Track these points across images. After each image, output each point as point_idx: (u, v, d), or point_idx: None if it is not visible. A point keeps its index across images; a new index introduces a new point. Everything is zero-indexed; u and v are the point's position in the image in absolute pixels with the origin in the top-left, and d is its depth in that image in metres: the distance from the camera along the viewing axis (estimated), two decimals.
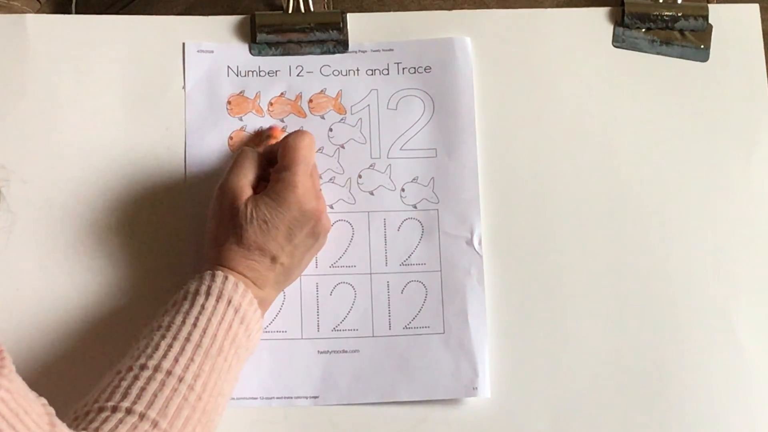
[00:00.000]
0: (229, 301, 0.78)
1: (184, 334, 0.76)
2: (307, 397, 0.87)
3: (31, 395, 0.63)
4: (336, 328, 0.88)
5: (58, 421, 0.65)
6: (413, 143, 0.92)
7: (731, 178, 0.92)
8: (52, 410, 0.65)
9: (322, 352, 0.88)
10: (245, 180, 0.83)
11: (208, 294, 0.78)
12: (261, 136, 0.91)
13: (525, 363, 0.88)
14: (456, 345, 0.87)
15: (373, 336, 0.88)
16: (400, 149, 0.92)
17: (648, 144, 0.92)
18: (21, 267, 0.88)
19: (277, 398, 0.87)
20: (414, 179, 0.91)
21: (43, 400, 0.65)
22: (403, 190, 0.91)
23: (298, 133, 0.84)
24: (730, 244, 0.91)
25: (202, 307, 0.78)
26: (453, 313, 0.88)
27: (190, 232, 0.89)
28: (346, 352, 0.88)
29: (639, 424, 0.87)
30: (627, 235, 0.91)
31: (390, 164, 0.91)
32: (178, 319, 0.77)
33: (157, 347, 0.75)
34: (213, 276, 0.79)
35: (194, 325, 0.77)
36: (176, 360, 0.74)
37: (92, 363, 0.85)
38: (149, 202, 0.90)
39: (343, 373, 0.87)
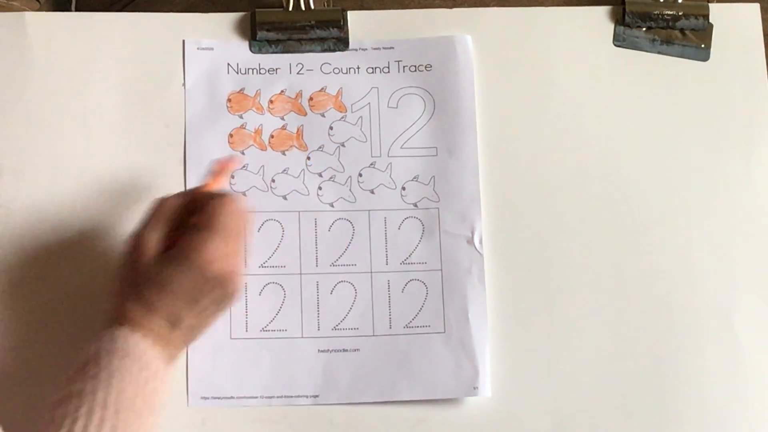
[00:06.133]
0: (137, 359, 0.74)
1: (99, 401, 0.71)
2: (307, 396, 0.87)
3: None
4: (336, 327, 0.88)
5: None
6: (414, 142, 0.92)
7: (731, 177, 0.92)
8: None
9: (322, 351, 0.88)
10: (153, 234, 0.78)
11: (113, 354, 0.74)
12: (220, 165, 0.87)
13: (525, 362, 0.88)
14: (457, 344, 0.87)
15: (373, 335, 0.88)
16: (401, 148, 0.91)
17: (648, 143, 0.92)
18: (16, 264, 0.87)
19: (278, 397, 0.87)
20: (414, 178, 0.91)
21: None
22: (403, 188, 0.91)
23: (224, 198, 0.79)
24: (730, 244, 0.91)
25: (111, 370, 0.73)
26: (454, 312, 0.88)
27: None
28: (346, 351, 0.88)
29: (639, 423, 0.87)
30: (627, 235, 0.91)
31: (390, 163, 0.91)
32: (89, 385, 0.72)
33: (75, 420, 0.70)
34: (114, 337, 0.75)
35: (107, 390, 0.72)
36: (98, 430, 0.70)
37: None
38: (149, 199, 0.89)
39: (344, 372, 0.87)
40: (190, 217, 0.80)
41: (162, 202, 0.80)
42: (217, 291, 0.77)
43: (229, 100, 0.92)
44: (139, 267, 0.77)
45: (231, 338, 0.88)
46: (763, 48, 0.95)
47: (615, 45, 0.95)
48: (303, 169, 0.91)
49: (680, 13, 0.94)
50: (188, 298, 0.76)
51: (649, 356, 0.88)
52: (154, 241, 0.78)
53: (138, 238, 0.78)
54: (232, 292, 0.78)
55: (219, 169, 0.86)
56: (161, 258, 0.77)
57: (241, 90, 0.92)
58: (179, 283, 0.76)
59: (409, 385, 0.86)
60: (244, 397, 0.86)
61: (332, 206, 0.90)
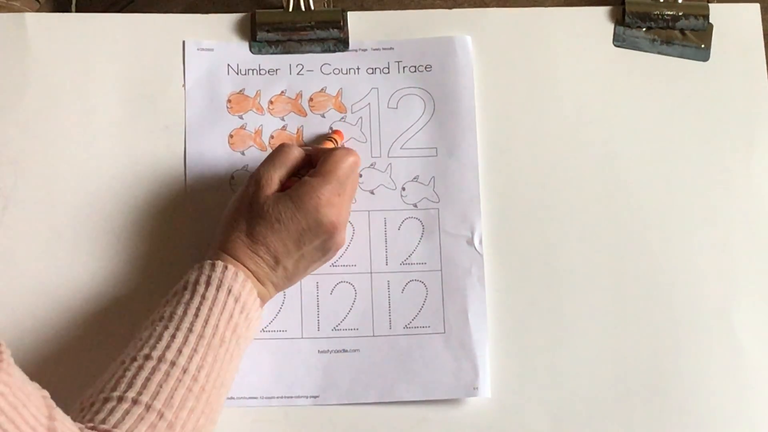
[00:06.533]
0: (229, 291, 0.78)
1: (186, 324, 0.76)
2: (307, 397, 0.87)
3: (31, 387, 0.63)
4: (336, 328, 0.88)
5: (59, 414, 0.64)
6: (414, 142, 0.92)
7: (731, 177, 0.92)
8: (52, 402, 0.65)
9: (322, 352, 0.88)
10: (275, 174, 0.83)
11: (208, 284, 0.78)
12: (323, 137, 0.91)
13: (525, 363, 0.88)
14: (456, 345, 0.87)
15: (373, 335, 0.88)
16: (401, 148, 0.91)
17: (648, 143, 0.92)
18: (21, 261, 0.87)
19: (277, 398, 0.87)
20: (414, 178, 0.91)
21: (45, 393, 0.65)
22: (403, 189, 0.91)
23: (344, 150, 0.84)
24: (730, 244, 0.91)
25: (203, 297, 0.78)
26: (453, 312, 0.88)
27: (189, 230, 0.89)
28: (346, 351, 0.88)
29: (639, 423, 0.87)
30: (627, 235, 0.91)
31: (390, 163, 0.91)
32: (180, 309, 0.77)
33: (160, 338, 0.75)
34: (213, 266, 0.79)
35: (196, 315, 0.77)
36: (179, 351, 0.74)
37: (91, 353, 0.86)
38: (149, 200, 0.90)
39: (344, 372, 0.87)
40: (305, 170, 0.85)
41: (287, 149, 0.84)
42: (322, 239, 0.82)
43: (229, 100, 0.92)
44: (257, 202, 0.81)
45: None
46: (763, 48, 0.95)
47: (615, 45, 0.95)
48: None
49: (680, 14, 0.94)
50: (294, 240, 0.81)
51: (649, 356, 0.88)
52: (275, 181, 0.82)
53: (260, 173, 0.82)
54: (334, 244, 0.83)
55: (334, 135, 0.90)
56: (277, 197, 0.81)
57: (241, 91, 0.92)
58: (289, 222, 0.80)
59: (409, 386, 0.86)
60: (244, 398, 0.86)
61: None
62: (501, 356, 0.88)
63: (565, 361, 0.88)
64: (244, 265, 0.81)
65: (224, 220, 0.84)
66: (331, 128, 0.92)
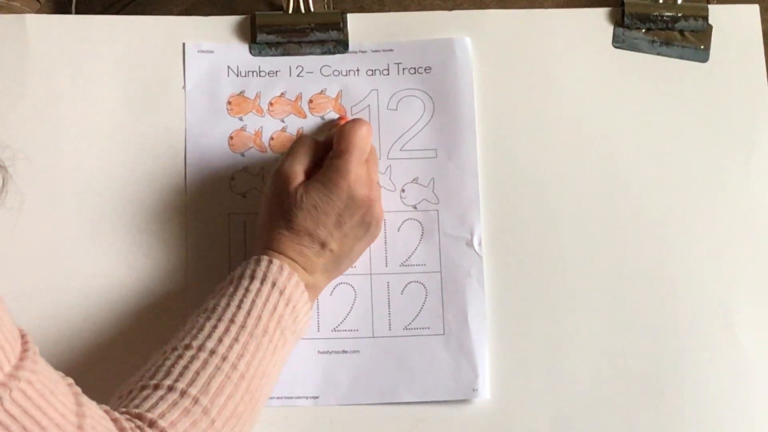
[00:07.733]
0: (274, 284, 0.79)
1: (228, 315, 0.77)
2: (307, 398, 0.87)
3: (57, 376, 0.65)
4: (336, 329, 0.88)
5: (84, 400, 0.66)
6: (413, 144, 0.92)
7: (731, 178, 0.92)
8: (78, 389, 0.66)
9: (322, 353, 0.88)
10: (298, 166, 0.84)
11: (252, 277, 0.79)
12: (329, 125, 0.92)
13: (525, 364, 0.88)
14: (456, 346, 0.88)
15: (373, 336, 0.88)
16: (401, 150, 0.92)
17: (648, 144, 0.92)
18: (20, 262, 0.88)
19: (277, 398, 0.87)
20: (414, 180, 0.91)
21: (69, 380, 0.66)
22: (403, 190, 0.91)
23: (354, 121, 0.85)
24: (730, 244, 0.91)
25: (247, 289, 0.79)
26: (453, 314, 0.88)
27: (189, 232, 0.89)
28: (346, 352, 0.88)
29: (639, 424, 0.87)
30: (627, 236, 0.91)
31: (390, 165, 0.91)
32: (223, 301, 0.78)
33: (201, 328, 0.76)
34: (258, 260, 0.80)
35: (239, 306, 0.77)
36: (220, 340, 0.75)
37: (87, 351, 0.87)
38: (149, 202, 0.90)
39: (343, 373, 0.87)
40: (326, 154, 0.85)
41: (303, 140, 0.86)
42: (360, 213, 0.83)
43: (229, 102, 0.92)
44: (288, 194, 0.82)
45: None
46: (763, 49, 0.95)
47: (614, 46, 0.95)
48: None
49: (679, 15, 0.94)
50: (334, 222, 0.82)
51: (649, 357, 0.88)
52: (300, 172, 0.83)
53: (284, 169, 0.83)
54: (373, 218, 0.84)
55: (339, 122, 0.90)
56: (307, 184, 0.83)
57: (241, 92, 0.93)
58: (326, 206, 0.82)
59: (409, 387, 0.87)
60: None
61: None
62: (500, 357, 0.88)
63: (564, 362, 0.88)
64: (291, 259, 0.82)
65: (261, 222, 0.85)
66: (332, 119, 0.93)
